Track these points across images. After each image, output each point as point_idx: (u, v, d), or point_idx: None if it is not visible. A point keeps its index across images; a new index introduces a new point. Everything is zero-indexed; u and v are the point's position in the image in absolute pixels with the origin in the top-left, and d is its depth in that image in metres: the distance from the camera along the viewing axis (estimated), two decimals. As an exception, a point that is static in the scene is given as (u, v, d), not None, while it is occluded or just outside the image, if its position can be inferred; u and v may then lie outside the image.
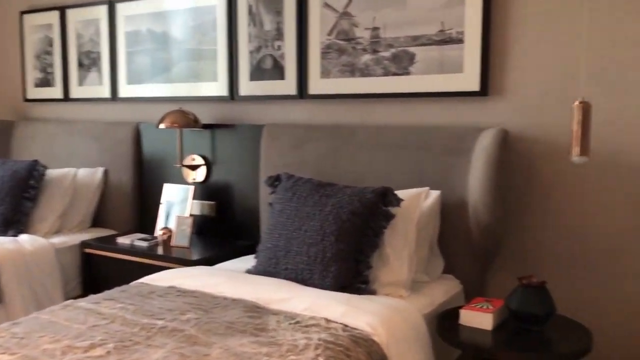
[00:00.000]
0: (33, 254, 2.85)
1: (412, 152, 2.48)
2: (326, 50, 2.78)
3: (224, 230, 3.09)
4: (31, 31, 3.84)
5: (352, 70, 2.73)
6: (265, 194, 2.78)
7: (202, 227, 3.11)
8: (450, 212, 2.37)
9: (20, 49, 3.92)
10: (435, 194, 2.32)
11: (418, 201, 2.22)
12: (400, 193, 2.22)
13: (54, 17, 3.71)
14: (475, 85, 2.44)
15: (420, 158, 2.45)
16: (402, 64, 2.61)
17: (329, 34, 2.77)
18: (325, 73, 2.80)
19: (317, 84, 2.83)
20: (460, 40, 2.45)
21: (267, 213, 2.69)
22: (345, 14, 2.72)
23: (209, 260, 2.63)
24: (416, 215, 2.20)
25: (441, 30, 2.49)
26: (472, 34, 2.42)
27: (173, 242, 2.89)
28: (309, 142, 2.76)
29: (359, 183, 2.45)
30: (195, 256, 2.72)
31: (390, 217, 2.16)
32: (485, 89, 2.42)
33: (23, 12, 3.87)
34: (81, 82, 3.65)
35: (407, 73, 2.59)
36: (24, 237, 2.97)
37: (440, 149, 2.42)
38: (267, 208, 2.57)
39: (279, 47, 2.91)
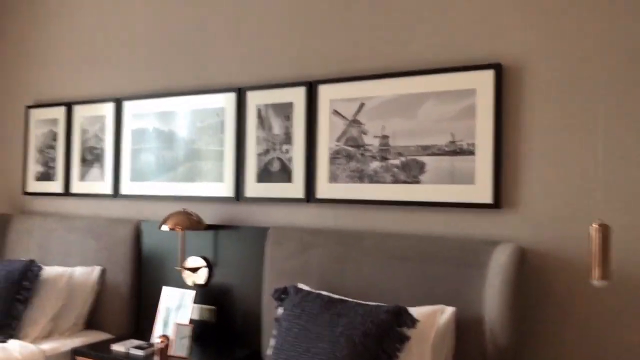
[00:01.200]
0: (22, 362, 2.69)
1: (422, 263, 2.40)
2: (335, 156, 2.77)
3: (224, 337, 2.95)
4: (37, 125, 3.85)
5: (361, 177, 2.70)
6: (268, 299, 2.68)
7: (201, 333, 2.97)
8: (463, 330, 2.26)
9: (24, 142, 3.92)
10: (449, 310, 2.22)
11: (434, 320, 2.13)
12: (414, 311, 2.13)
13: (60, 112, 3.73)
14: (487, 198, 2.41)
15: (430, 270, 2.38)
16: (411, 172, 2.59)
17: (338, 140, 2.77)
18: (333, 178, 2.78)
19: (324, 188, 2.80)
20: (471, 152, 2.44)
21: (269, 319, 2.58)
22: (355, 122, 2.73)
23: (209, 375, 2.48)
24: (432, 335, 2.10)
25: (452, 142, 2.49)
26: (484, 146, 2.42)
27: (171, 352, 2.74)
28: (314, 248, 2.69)
29: (364, 294, 2.36)
30: (194, 369, 2.57)
31: (405, 339, 2.05)
32: (498, 202, 2.39)
33: (29, 107, 3.89)
34: (83, 177, 3.62)
35: (417, 182, 2.57)
36: (13, 344, 2.81)
37: (451, 262, 2.35)
38: (270, 314, 2.45)
39: (287, 151, 2.90)
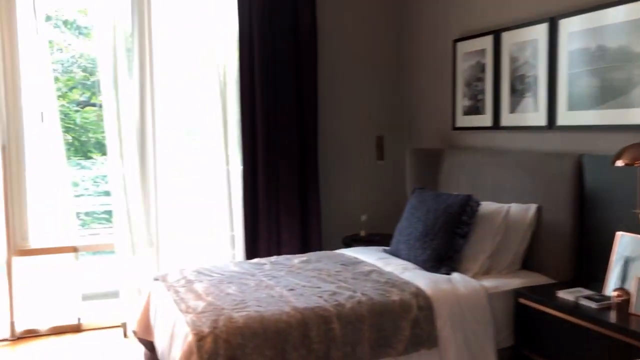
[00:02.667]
0: (466, 297, 2.70)
1: None
2: None
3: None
4: (464, 58, 3.79)
5: None
6: None
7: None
8: None
9: (452, 76, 3.93)
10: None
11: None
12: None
13: (487, 42, 3.57)
14: None
15: None
16: None
17: None
18: None
19: None
20: None
21: None
22: None
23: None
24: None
25: None
26: None
27: (632, 309, 2.32)
28: None
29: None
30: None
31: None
32: None
33: (456, 40, 3.86)
34: (513, 108, 3.40)
35: None
36: (456, 277, 2.86)
37: None
38: None
39: None
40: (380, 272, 3.02)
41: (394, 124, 4.55)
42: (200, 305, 2.54)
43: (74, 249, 3.80)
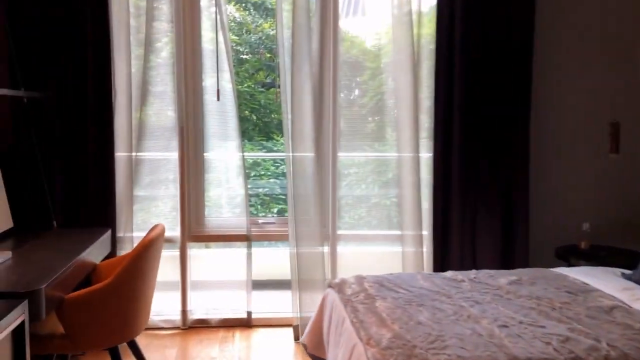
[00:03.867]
0: None
1: None
2: None
3: None
4: None
5: None
6: None
7: None
8: None
9: None
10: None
11: None
12: None
13: None
14: None
15: None
16: None
17: None
18: None
19: None
20: None
21: None
22: None
23: None
24: None
25: None
26: None
27: None
28: None
29: None
30: None
31: None
32: None
33: None
34: None
35: None
36: None
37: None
38: None
39: None
40: (627, 310, 2.21)
41: (635, 108, 3.54)
42: (386, 336, 1.98)
43: (247, 238, 3.50)
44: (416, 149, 3.37)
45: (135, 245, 2.98)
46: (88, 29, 3.09)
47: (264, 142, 5.75)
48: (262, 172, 5.68)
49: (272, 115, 5.66)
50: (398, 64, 3.37)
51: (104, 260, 2.75)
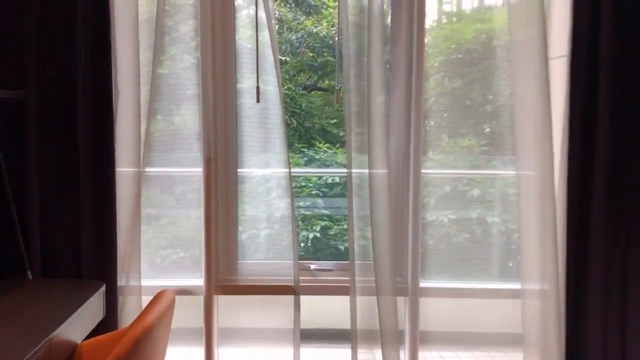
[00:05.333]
0: None
1: None
2: None
3: None
4: None
5: None
6: None
7: None
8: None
9: None
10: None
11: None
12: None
13: None
14: None
15: None
16: None
17: None
18: None
19: None
20: None
21: None
22: None
23: None
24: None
25: None
26: None
27: None
28: None
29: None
30: None
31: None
32: None
33: None
34: None
35: None
36: None
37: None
38: None
39: None
40: None
41: None
42: None
43: (294, 291, 2.53)
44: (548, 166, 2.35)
45: (142, 300, 2.09)
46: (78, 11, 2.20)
47: (305, 150, 5.01)
48: (303, 184, 4.90)
49: (314, 120, 5.02)
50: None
51: (88, 337, 1.84)
